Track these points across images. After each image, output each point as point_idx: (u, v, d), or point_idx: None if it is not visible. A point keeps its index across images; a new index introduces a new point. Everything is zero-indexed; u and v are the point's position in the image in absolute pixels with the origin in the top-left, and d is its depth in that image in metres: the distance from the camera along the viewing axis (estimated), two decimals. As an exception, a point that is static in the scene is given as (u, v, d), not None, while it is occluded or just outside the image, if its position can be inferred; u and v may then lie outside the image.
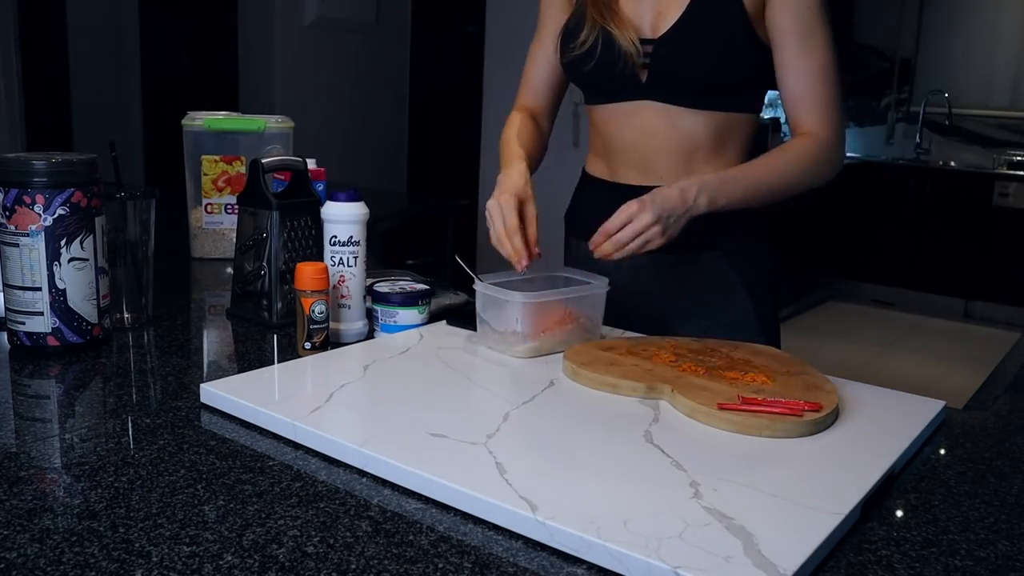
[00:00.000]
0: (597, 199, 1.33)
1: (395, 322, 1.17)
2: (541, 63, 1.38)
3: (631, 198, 1.25)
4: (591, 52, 1.24)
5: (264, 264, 1.23)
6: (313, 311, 1.08)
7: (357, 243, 1.14)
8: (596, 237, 1.10)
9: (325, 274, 1.09)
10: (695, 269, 1.29)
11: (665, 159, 1.26)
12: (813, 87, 1.19)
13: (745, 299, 1.30)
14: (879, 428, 0.89)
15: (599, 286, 1.14)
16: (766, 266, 1.33)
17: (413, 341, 1.13)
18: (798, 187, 1.20)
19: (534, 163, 1.32)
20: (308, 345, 1.09)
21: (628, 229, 1.08)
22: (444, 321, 1.22)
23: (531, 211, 1.15)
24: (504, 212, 1.13)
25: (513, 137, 1.31)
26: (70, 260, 1.06)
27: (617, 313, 1.21)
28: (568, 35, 1.28)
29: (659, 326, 1.27)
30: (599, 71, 1.26)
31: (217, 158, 1.68)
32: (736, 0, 1.17)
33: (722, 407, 0.88)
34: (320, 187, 1.51)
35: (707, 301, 1.30)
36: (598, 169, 1.36)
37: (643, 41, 1.22)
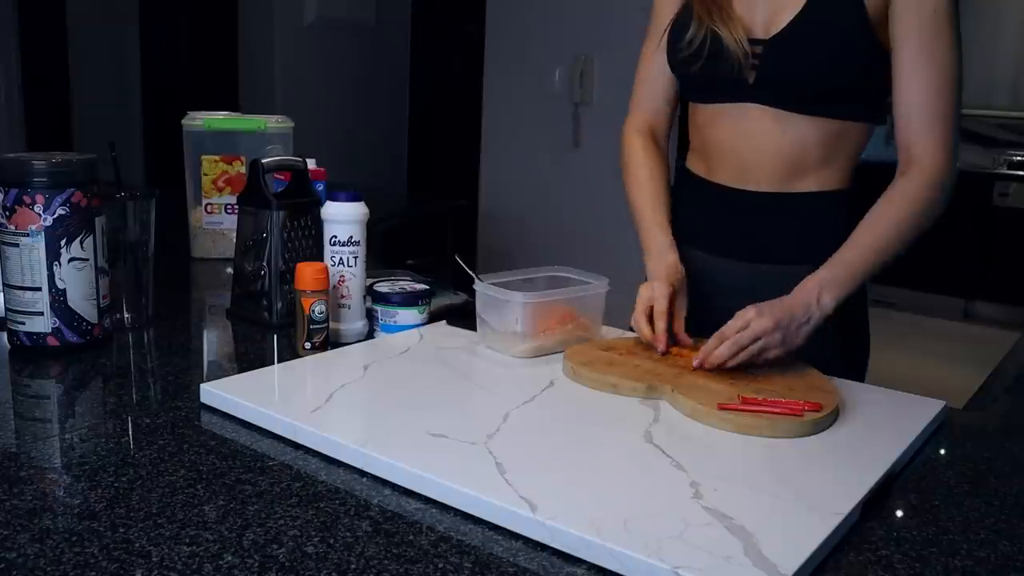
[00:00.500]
0: (694, 198, 1.26)
1: (395, 322, 1.17)
2: (658, 72, 1.28)
3: (728, 199, 1.21)
4: (698, 52, 1.16)
5: (264, 264, 1.23)
6: (313, 311, 1.08)
7: (357, 243, 1.14)
8: (709, 344, 1.00)
9: (325, 274, 1.09)
10: (788, 283, 1.09)
11: (768, 165, 1.17)
12: (929, 103, 1.07)
13: (833, 323, 1.09)
14: (879, 428, 0.89)
15: (599, 286, 1.14)
16: (861, 290, 1.14)
17: (413, 341, 1.13)
18: (914, 239, 1.09)
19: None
20: (308, 345, 1.09)
21: (747, 332, 0.98)
22: (444, 321, 1.22)
23: (682, 302, 1.11)
24: (656, 296, 1.08)
25: (650, 192, 1.24)
26: (70, 260, 1.06)
27: (702, 324, 1.11)
28: (676, 32, 1.21)
29: None
30: (706, 72, 1.18)
31: (217, 158, 1.68)
32: (857, 0, 1.08)
33: (722, 407, 0.88)
34: (320, 187, 1.51)
35: None
36: (698, 167, 1.28)
37: (754, 41, 1.14)
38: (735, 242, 1.21)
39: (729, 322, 1.00)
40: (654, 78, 1.29)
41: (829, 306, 1.03)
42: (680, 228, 1.22)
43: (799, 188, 1.18)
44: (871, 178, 1.19)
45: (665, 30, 1.23)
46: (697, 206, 1.25)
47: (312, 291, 1.07)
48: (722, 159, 1.22)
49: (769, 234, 1.20)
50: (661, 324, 1.07)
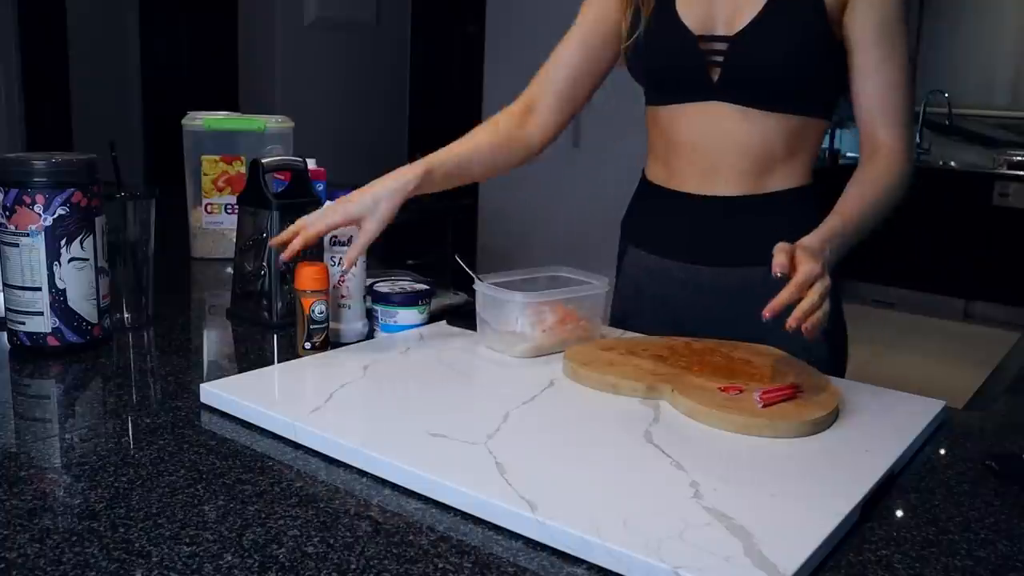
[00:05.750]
0: (655, 207, 1.26)
1: (395, 322, 1.17)
2: (572, 48, 1.25)
3: (691, 206, 1.20)
4: (653, 49, 1.17)
5: (264, 264, 1.23)
6: (313, 311, 1.08)
7: (357, 243, 1.14)
8: (785, 295, 0.90)
9: (325, 274, 1.09)
10: (760, 284, 1.01)
11: (735, 164, 1.17)
12: (891, 99, 1.12)
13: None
14: (879, 428, 0.89)
15: (599, 286, 1.14)
16: (834, 281, 1.15)
17: (413, 341, 1.13)
18: (888, 214, 1.11)
19: (466, 165, 1.20)
20: (308, 345, 1.09)
21: (816, 288, 0.91)
22: (444, 321, 1.22)
23: (367, 230, 1.09)
24: (326, 212, 1.08)
25: (462, 139, 1.22)
26: (70, 260, 1.06)
27: (679, 329, 1.15)
28: (631, 29, 1.19)
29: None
30: (665, 70, 1.18)
31: (217, 158, 1.68)
32: None
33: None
34: (320, 187, 1.51)
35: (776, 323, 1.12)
36: (658, 175, 1.26)
37: (716, 38, 1.14)
38: (702, 248, 1.20)
39: (797, 275, 0.91)
40: (560, 64, 1.26)
41: (832, 262, 0.98)
42: (645, 236, 1.26)
43: (766, 188, 1.18)
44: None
45: (624, 25, 1.20)
46: (661, 218, 1.25)
47: (312, 291, 1.07)
48: (687, 160, 1.20)
49: (738, 238, 1.19)
50: (297, 238, 1.06)
